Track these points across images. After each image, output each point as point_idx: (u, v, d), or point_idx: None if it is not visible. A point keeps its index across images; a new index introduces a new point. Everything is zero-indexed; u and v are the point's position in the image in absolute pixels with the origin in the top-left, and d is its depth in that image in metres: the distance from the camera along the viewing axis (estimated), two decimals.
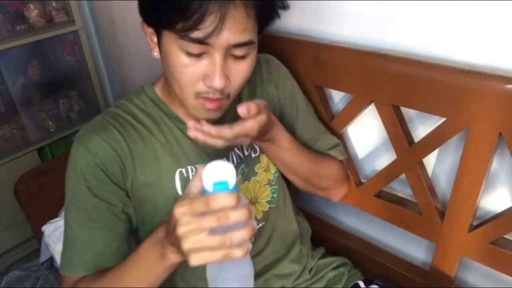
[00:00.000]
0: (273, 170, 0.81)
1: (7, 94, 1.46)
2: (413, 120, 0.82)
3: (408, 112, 0.81)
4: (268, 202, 0.80)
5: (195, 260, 0.47)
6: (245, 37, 0.57)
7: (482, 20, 0.66)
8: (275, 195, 0.81)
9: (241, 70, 0.61)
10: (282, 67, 0.83)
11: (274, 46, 0.91)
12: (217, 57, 0.57)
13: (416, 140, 0.79)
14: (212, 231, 0.46)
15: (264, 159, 0.80)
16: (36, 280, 1.53)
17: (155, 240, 0.57)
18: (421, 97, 0.72)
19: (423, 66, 0.70)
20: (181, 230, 0.47)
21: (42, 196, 1.09)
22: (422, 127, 0.82)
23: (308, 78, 0.88)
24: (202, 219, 0.46)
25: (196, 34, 0.54)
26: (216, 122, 0.73)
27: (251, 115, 0.60)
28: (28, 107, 1.54)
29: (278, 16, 0.63)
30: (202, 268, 0.75)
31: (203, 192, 0.50)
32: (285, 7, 0.63)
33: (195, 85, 0.60)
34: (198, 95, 0.61)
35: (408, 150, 0.79)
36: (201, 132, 0.57)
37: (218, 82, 0.58)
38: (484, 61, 0.68)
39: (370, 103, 0.82)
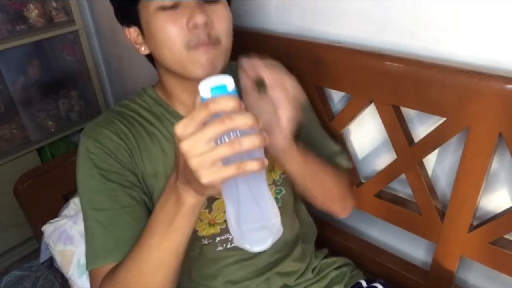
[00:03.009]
0: (279, 171, 0.81)
1: (7, 94, 1.46)
2: (413, 120, 0.82)
3: (408, 112, 0.81)
4: None
5: (205, 176, 0.43)
6: None
7: (482, 20, 0.66)
8: (278, 196, 0.81)
9: (218, 13, 0.63)
10: (289, 74, 0.84)
11: (274, 46, 0.91)
12: (191, 1, 0.60)
13: (416, 140, 0.79)
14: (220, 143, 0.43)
15: (270, 158, 0.79)
16: (36, 280, 1.54)
17: (168, 189, 0.56)
18: (421, 97, 0.72)
19: (423, 66, 0.70)
20: (185, 145, 0.43)
21: (42, 196, 1.09)
22: (422, 127, 0.82)
23: (308, 78, 0.88)
24: (204, 127, 0.43)
25: None
26: None
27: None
28: (28, 107, 1.54)
29: None
30: (206, 265, 0.76)
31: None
32: None
33: (180, 35, 0.61)
34: (188, 45, 0.61)
35: (408, 150, 0.79)
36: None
37: (199, 18, 0.59)
38: (484, 61, 0.68)
39: (370, 103, 0.82)
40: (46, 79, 1.57)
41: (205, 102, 0.43)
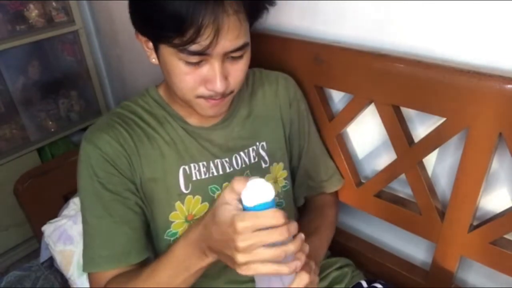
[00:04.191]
0: (281, 183, 0.82)
1: (7, 94, 1.46)
2: (413, 120, 0.82)
3: (408, 112, 0.81)
4: None
5: (246, 271, 0.50)
6: (240, 42, 0.59)
7: (482, 20, 0.66)
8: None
9: (238, 69, 0.63)
10: (298, 89, 0.86)
11: (274, 46, 0.91)
12: (216, 64, 0.59)
13: (416, 140, 0.79)
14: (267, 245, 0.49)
15: (274, 170, 0.81)
16: (36, 280, 1.53)
17: (189, 242, 0.58)
18: (421, 97, 0.72)
19: (423, 66, 0.70)
20: (242, 244, 0.48)
21: (42, 196, 1.08)
22: (422, 127, 0.82)
23: (308, 78, 0.88)
24: (261, 234, 0.48)
25: (194, 48, 0.56)
26: (225, 122, 0.75)
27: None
28: (28, 107, 1.54)
29: (267, 10, 0.65)
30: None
31: (241, 205, 0.52)
32: (273, 2, 0.65)
33: (196, 89, 0.62)
34: (200, 96, 0.63)
35: (408, 150, 0.79)
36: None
37: (219, 86, 0.60)
38: (484, 61, 0.68)
39: (370, 103, 0.82)
40: (46, 79, 1.57)
41: (259, 218, 0.48)
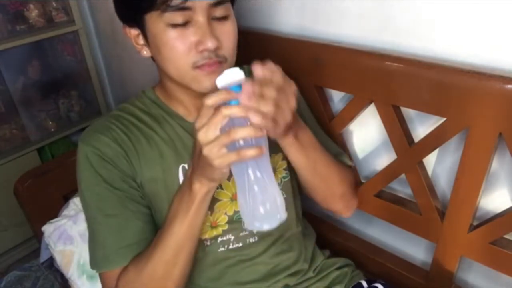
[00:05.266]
0: (280, 174, 0.81)
1: (7, 94, 1.46)
2: (413, 120, 0.82)
3: (408, 112, 0.81)
4: None
5: (215, 159, 0.52)
6: None
7: (482, 20, 0.66)
8: None
9: (226, 31, 0.64)
10: (296, 89, 0.85)
11: (274, 46, 0.91)
12: (201, 19, 0.60)
13: (416, 140, 0.79)
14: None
15: (273, 161, 0.80)
16: (36, 280, 1.53)
17: (185, 182, 0.63)
18: (421, 97, 0.72)
19: (423, 66, 0.70)
20: (199, 134, 0.52)
21: (42, 196, 1.08)
22: (422, 127, 0.82)
23: (308, 78, 0.88)
24: (212, 117, 0.52)
25: (175, 1, 0.58)
26: None
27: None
28: (28, 107, 1.54)
29: None
30: (208, 267, 0.76)
31: None
32: None
33: (188, 55, 0.62)
34: (194, 65, 0.62)
35: (408, 150, 0.79)
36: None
37: (210, 43, 0.60)
38: (484, 61, 0.68)
39: (370, 103, 0.82)
40: (46, 79, 1.57)
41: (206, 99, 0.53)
